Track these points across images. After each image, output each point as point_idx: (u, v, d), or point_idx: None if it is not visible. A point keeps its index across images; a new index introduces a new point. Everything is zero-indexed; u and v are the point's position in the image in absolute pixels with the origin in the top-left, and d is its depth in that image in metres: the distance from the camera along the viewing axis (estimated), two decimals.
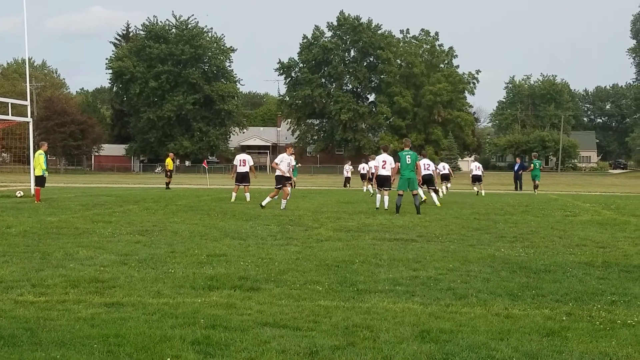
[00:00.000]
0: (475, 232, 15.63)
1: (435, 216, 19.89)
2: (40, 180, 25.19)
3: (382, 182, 22.66)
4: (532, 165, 39.45)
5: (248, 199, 25.95)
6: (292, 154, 24.45)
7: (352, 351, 5.89)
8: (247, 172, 27.16)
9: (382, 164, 22.54)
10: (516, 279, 9.37)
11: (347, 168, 50.15)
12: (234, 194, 26.42)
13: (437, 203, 24.59)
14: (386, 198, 22.46)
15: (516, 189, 43.85)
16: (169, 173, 41.35)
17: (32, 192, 26.57)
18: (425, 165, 25.74)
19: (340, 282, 8.93)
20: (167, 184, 40.16)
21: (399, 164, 21.34)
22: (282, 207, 21.81)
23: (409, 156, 21.26)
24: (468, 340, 6.21)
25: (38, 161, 25.12)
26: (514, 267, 10.34)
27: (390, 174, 22.45)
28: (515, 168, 45.83)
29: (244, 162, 27.18)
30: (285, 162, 22.94)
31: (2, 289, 8.30)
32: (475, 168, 38.11)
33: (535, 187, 39.09)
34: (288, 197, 22.80)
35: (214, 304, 7.59)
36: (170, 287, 8.50)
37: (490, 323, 6.87)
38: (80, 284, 8.65)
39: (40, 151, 25.46)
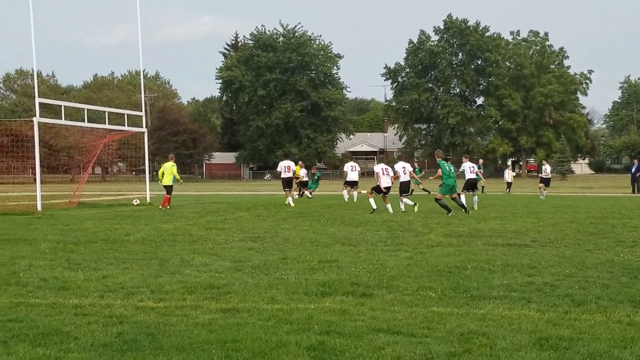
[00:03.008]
0: (591, 236, 15.18)
1: (549, 221, 19.43)
2: (169, 189, 26.67)
3: (405, 188, 24.23)
4: None
5: (292, 203, 26.93)
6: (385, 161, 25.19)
7: (469, 358, 5.83)
8: (291, 177, 28.81)
9: (403, 169, 23.98)
10: (637, 285, 9.06)
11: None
12: (295, 194, 28.46)
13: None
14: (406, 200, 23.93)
15: (634, 191, 42.38)
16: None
17: (148, 199, 27.56)
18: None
19: (453, 288, 8.84)
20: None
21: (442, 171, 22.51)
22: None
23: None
24: (589, 348, 6.04)
25: (171, 172, 26.73)
26: (635, 272, 10.00)
27: (409, 179, 24.39)
28: (633, 170, 44.30)
29: (288, 168, 28.77)
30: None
31: (123, 295, 8.60)
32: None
33: None
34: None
35: (328, 309, 7.64)
36: (283, 293, 8.61)
37: (611, 330, 6.66)
38: (196, 289, 8.87)
39: (172, 163, 26.92)
